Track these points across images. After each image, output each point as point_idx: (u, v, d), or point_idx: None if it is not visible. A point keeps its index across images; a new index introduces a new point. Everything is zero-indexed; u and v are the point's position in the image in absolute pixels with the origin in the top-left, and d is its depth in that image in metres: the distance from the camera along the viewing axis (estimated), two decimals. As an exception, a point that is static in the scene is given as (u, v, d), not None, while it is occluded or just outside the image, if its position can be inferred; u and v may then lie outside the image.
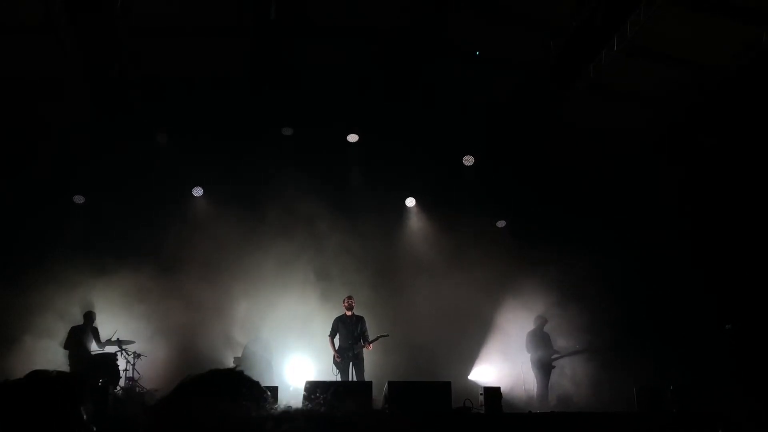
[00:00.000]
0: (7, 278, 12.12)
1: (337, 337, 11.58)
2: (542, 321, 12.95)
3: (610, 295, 12.92)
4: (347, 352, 11.30)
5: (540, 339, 12.79)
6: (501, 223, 14.99)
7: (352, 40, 12.11)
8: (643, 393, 10.15)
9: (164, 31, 11.39)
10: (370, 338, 11.47)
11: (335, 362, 11.32)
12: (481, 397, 9.68)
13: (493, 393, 9.63)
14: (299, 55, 12.61)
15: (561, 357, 12.78)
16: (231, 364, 12.74)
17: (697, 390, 9.95)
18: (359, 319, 11.65)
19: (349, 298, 11.81)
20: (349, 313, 11.66)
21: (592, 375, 12.82)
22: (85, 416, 2.24)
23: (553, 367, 12.70)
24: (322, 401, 1.49)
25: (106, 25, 10.59)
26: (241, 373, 1.82)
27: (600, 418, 9.35)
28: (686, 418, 8.84)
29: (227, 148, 13.56)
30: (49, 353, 11.87)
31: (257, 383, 1.85)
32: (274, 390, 9.45)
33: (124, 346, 11.61)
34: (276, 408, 1.57)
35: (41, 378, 2.30)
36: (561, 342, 13.06)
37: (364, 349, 11.41)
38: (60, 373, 2.39)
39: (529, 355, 12.75)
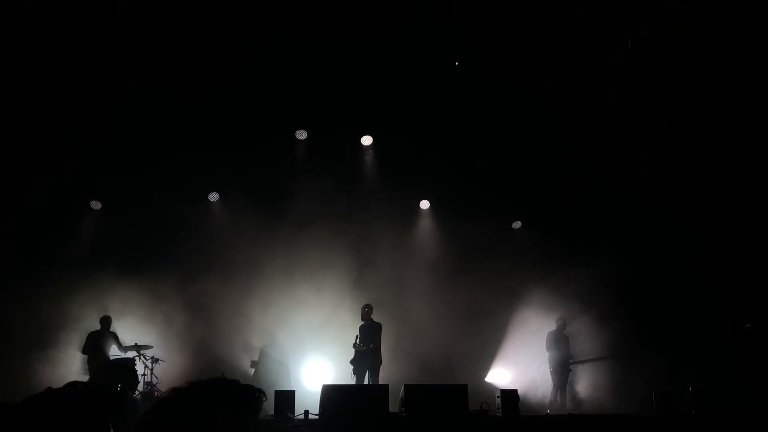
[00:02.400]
0: (27, 285, 12.26)
1: None
2: (562, 322, 12.95)
3: (625, 298, 12.85)
4: (363, 360, 11.31)
5: (559, 340, 12.78)
6: (517, 224, 14.96)
7: (356, 48, 12.20)
8: (662, 396, 10.10)
9: (174, 43, 11.50)
10: (372, 344, 11.32)
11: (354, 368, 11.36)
12: (498, 400, 9.66)
13: (510, 396, 9.61)
14: (304, 61, 12.67)
15: (578, 363, 12.76)
16: (248, 367, 12.83)
17: (716, 393, 9.87)
18: (372, 327, 11.60)
19: (364, 307, 11.83)
20: (363, 322, 11.70)
21: (608, 378, 12.77)
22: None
23: (570, 370, 12.67)
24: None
25: (120, 40, 10.76)
26: (222, 381, 1.77)
27: (618, 420, 9.29)
28: (705, 421, 8.77)
29: (243, 152, 13.60)
30: (68, 358, 12.03)
31: (244, 388, 1.80)
32: (291, 394, 9.50)
33: (142, 351, 11.70)
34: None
35: (78, 391, 2.32)
36: (578, 346, 13.01)
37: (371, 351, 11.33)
38: (94, 387, 2.41)
39: (548, 354, 12.72)
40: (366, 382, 11.08)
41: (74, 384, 2.34)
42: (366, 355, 11.28)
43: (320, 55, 12.45)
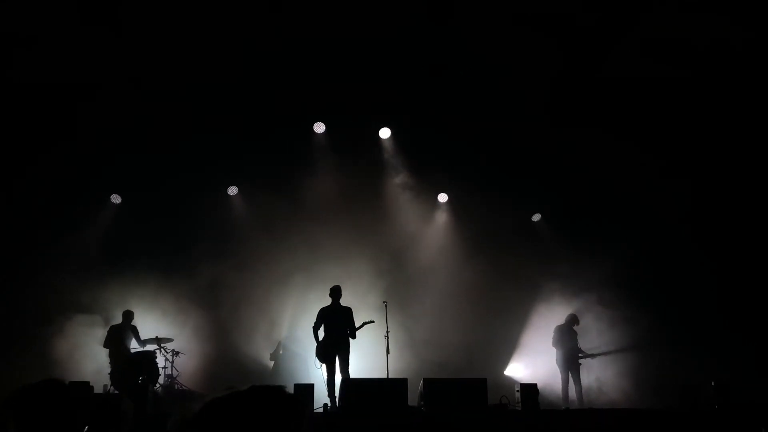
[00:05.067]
0: (47, 279, 12.40)
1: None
2: (572, 319, 12.69)
3: (646, 293, 12.73)
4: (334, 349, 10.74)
5: (567, 335, 12.49)
6: (536, 217, 14.85)
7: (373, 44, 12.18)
8: (684, 389, 9.99)
9: (180, 40, 11.55)
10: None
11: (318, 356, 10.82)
12: (518, 394, 9.61)
13: (530, 390, 9.56)
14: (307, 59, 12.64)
15: (586, 357, 12.48)
16: (268, 361, 12.89)
17: (738, 386, 9.74)
18: (343, 312, 10.97)
19: (334, 288, 11.18)
20: (330, 304, 11.12)
21: (627, 372, 12.65)
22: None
23: (580, 363, 12.39)
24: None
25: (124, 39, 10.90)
26: (280, 391, 1.77)
27: (639, 414, 9.21)
28: (728, 415, 8.67)
29: (262, 147, 13.63)
30: (90, 352, 12.15)
31: (291, 398, 1.79)
32: (310, 387, 9.52)
33: (163, 344, 11.78)
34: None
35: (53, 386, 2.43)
36: (596, 340, 12.87)
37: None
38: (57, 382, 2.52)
39: (555, 349, 12.54)
40: (337, 372, 10.58)
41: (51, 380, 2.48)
42: (338, 342, 10.72)
43: (319, 54, 12.43)
